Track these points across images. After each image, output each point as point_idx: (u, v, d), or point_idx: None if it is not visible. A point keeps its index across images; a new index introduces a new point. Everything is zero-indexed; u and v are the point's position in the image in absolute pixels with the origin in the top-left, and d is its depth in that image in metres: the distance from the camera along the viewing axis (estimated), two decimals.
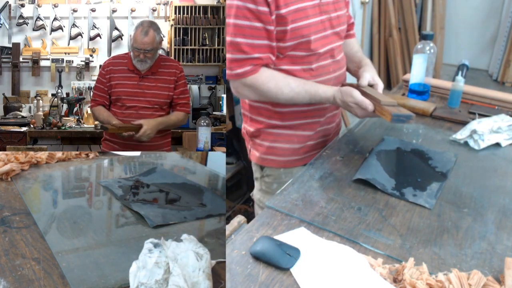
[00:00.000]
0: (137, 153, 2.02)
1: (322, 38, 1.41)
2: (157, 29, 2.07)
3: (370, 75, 1.45)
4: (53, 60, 3.36)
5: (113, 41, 3.42)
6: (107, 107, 2.11)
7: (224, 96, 3.27)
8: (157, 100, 2.08)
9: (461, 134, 1.52)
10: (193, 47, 3.44)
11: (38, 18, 3.31)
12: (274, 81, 1.37)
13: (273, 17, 1.30)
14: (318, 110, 1.48)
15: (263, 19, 1.29)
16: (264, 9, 1.27)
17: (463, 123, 1.62)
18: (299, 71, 1.41)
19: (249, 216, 1.16)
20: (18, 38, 3.33)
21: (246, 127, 1.58)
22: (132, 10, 3.43)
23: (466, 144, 1.49)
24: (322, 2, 1.39)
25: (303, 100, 1.39)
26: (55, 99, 3.17)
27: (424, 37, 1.76)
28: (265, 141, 1.52)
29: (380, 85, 1.45)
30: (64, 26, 3.36)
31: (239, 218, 1.12)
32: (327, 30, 1.42)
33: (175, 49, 3.42)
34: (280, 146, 1.50)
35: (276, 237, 1.03)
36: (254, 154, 1.58)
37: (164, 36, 3.46)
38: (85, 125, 3.17)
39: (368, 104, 1.32)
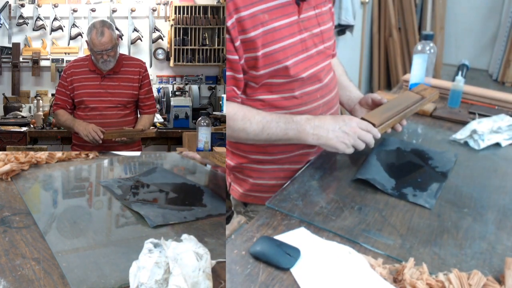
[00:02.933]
0: (137, 153, 2.02)
1: (305, 59, 1.24)
2: (110, 26, 2.04)
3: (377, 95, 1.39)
4: (53, 60, 3.36)
5: None
6: (68, 110, 2.10)
7: (224, 96, 3.27)
8: (120, 100, 2.07)
9: (461, 134, 1.52)
10: (193, 47, 3.44)
11: (38, 18, 3.30)
12: (241, 112, 1.20)
13: (237, 43, 1.13)
14: None
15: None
16: (226, 36, 1.13)
17: (463, 123, 1.62)
18: (279, 100, 1.24)
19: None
20: (18, 38, 3.33)
21: (226, 160, 1.44)
22: (132, 10, 3.43)
23: (466, 144, 1.49)
24: (302, 17, 1.22)
25: (277, 131, 1.20)
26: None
27: (424, 37, 1.76)
28: (249, 178, 1.38)
29: None
30: (64, 26, 3.36)
31: (239, 218, 1.12)
32: (311, 50, 1.26)
33: (175, 49, 3.42)
34: (266, 183, 1.37)
35: (276, 237, 1.03)
36: (236, 190, 1.44)
37: (164, 36, 3.46)
38: None
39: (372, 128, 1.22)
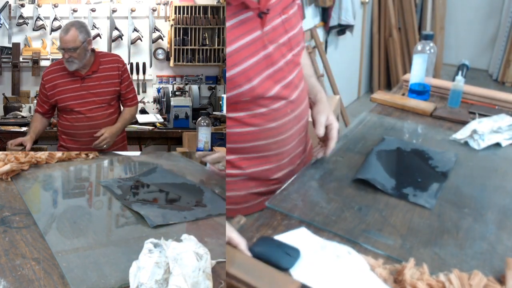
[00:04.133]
0: (137, 153, 2.02)
1: (272, 75, 1.16)
2: (80, 27, 2.00)
3: (325, 116, 1.27)
4: (53, 60, 3.35)
5: (113, 41, 3.42)
6: (44, 115, 2.13)
7: (224, 96, 3.27)
8: (103, 99, 2.05)
9: (461, 134, 1.52)
10: (193, 47, 3.44)
11: (38, 18, 3.30)
12: None
13: None
14: (275, 155, 1.27)
15: None
16: None
17: (463, 123, 1.62)
18: (247, 118, 1.18)
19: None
20: (18, 38, 3.33)
21: None
22: (132, 10, 3.43)
23: (466, 144, 1.49)
24: (266, 30, 1.13)
25: None
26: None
27: (424, 37, 1.76)
28: None
29: (335, 126, 1.28)
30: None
31: (239, 218, 1.12)
32: (278, 62, 1.17)
33: (175, 49, 3.42)
34: (237, 194, 1.30)
35: (276, 237, 1.02)
36: None
37: (164, 36, 3.46)
38: None
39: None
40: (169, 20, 3.45)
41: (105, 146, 2.01)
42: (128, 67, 3.42)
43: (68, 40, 1.96)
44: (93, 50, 2.08)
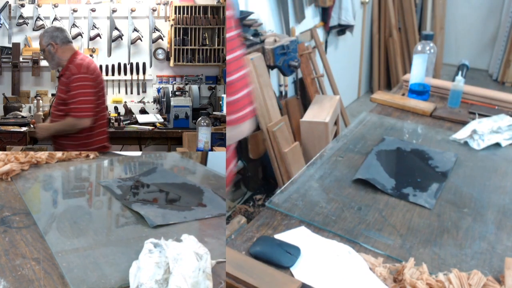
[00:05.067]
0: (138, 153, 2.02)
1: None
2: (46, 33, 2.21)
3: None
4: None
5: (113, 41, 3.42)
6: None
7: (224, 96, 3.27)
8: (57, 101, 2.20)
9: (461, 134, 1.52)
10: (193, 47, 3.44)
11: (38, 18, 3.30)
12: None
13: None
14: None
15: None
16: None
17: (463, 123, 1.62)
18: None
19: (249, 216, 1.16)
20: (18, 38, 3.33)
21: None
22: (132, 10, 3.43)
23: (466, 144, 1.49)
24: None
25: None
26: (55, 99, 3.17)
27: (424, 37, 1.76)
28: None
29: None
30: (64, 26, 3.36)
31: (239, 218, 1.12)
32: None
33: (175, 49, 3.42)
34: None
35: (276, 236, 1.03)
36: None
37: (164, 36, 3.46)
38: None
39: None
40: (169, 20, 3.45)
41: (40, 136, 2.22)
42: (128, 67, 3.43)
43: (38, 43, 2.24)
44: (73, 54, 2.18)
